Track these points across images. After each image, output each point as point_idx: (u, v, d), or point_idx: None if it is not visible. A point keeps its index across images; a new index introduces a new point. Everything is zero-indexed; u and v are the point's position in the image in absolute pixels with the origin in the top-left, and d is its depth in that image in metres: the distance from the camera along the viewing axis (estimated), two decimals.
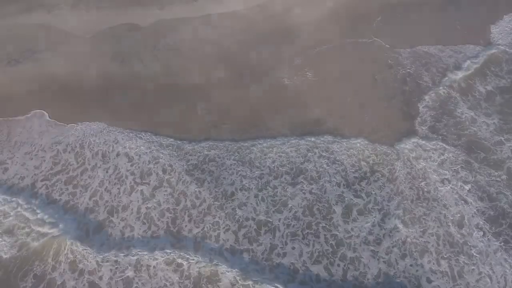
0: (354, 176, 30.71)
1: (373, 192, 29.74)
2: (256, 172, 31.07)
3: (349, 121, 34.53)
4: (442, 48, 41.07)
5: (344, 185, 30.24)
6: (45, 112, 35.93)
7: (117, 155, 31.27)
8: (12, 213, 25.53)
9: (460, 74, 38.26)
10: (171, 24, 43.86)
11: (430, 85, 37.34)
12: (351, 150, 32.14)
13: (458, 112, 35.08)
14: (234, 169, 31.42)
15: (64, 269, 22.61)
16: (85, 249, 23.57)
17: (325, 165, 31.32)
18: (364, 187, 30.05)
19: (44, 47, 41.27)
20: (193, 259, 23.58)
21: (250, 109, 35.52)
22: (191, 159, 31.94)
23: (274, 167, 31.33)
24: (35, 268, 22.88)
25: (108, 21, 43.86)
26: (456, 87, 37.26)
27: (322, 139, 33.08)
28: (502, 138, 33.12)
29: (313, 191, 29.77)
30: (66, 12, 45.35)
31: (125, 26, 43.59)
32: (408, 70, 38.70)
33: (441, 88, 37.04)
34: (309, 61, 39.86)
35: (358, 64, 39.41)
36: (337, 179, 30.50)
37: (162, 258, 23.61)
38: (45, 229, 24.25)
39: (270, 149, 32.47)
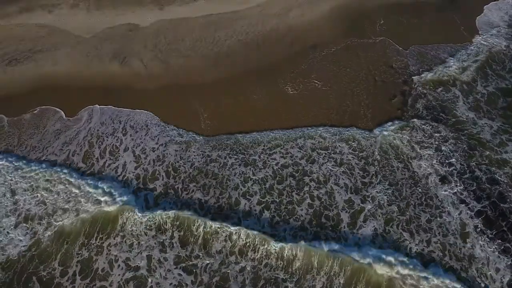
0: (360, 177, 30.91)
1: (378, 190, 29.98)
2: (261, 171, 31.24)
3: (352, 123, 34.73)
4: (441, 47, 41.03)
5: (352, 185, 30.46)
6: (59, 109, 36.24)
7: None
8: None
9: (458, 72, 38.23)
10: (171, 24, 43.87)
11: (430, 84, 37.26)
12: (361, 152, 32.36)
13: (459, 112, 34.99)
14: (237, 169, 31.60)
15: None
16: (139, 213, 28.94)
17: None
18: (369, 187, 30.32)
19: (45, 47, 41.32)
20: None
21: (250, 113, 35.30)
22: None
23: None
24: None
25: (108, 21, 43.91)
26: (458, 85, 37.21)
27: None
28: (504, 138, 33.19)
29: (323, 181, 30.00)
30: (66, 12, 45.42)
31: (125, 26, 43.61)
32: (409, 70, 38.62)
33: (441, 86, 37.04)
34: (315, 66, 39.29)
35: (361, 66, 39.15)
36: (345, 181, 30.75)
37: None
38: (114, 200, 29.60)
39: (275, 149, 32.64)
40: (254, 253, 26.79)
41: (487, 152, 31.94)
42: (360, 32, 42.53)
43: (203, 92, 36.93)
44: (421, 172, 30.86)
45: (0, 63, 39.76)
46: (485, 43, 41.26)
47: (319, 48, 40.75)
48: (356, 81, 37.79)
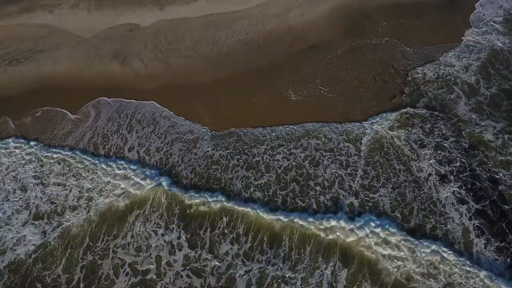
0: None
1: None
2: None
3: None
4: (442, 46, 40.69)
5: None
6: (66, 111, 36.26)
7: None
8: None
9: (460, 71, 37.99)
10: (171, 24, 43.90)
11: (430, 84, 37.18)
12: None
13: (460, 111, 34.83)
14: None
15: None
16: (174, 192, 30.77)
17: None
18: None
19: (45, 47, 41.42)
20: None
21: (250, 114, 35.20)
22: None
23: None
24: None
25: (108, 21, 43.99)
26: (460, 84, 36.96)
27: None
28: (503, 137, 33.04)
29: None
30: (66, 12, 45.55)
31: (125, 26, 43.67)
32: (410, 70, 38.46)
33: (441, 86, 36.87)
34: (319, 70, 38.54)
35: (369, 69, 38.66)
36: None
37: None
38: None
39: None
40: None
41: (492, 153, 31.68)
42: (360, 32, 42.36)
43: (203, 92, 36.94)
44: (421, 171, 30.82)
45: (0, 63, 39.89)
46: (483, 41, 40.83)
47: (321, 50, 40.38)
48: (365, 85, 37.14)
